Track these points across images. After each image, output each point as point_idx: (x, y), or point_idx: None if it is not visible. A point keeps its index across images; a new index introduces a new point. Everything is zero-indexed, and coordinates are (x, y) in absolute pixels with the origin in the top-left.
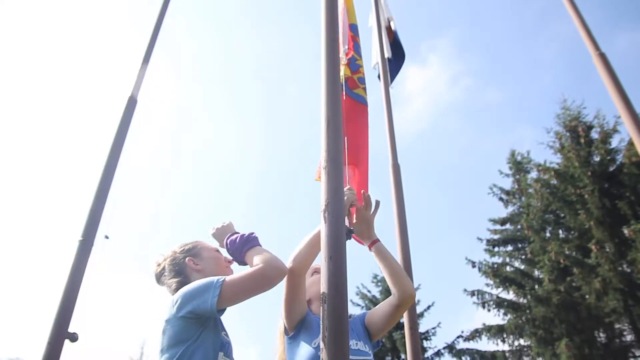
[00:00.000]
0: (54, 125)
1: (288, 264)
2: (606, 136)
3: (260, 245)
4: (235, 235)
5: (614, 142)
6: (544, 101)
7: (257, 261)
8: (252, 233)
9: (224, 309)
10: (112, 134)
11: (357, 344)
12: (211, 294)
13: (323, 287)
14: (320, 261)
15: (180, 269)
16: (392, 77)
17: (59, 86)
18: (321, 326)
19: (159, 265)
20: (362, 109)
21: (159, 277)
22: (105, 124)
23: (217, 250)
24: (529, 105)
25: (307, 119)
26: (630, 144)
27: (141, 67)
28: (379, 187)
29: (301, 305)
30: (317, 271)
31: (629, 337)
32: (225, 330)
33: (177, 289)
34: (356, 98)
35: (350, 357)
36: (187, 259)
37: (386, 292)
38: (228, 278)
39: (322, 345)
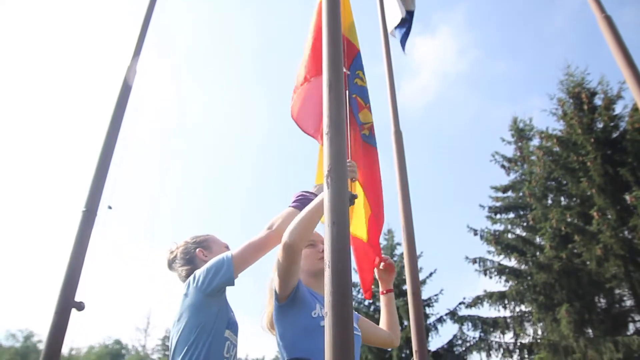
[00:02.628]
0: (56, 95)
1: (285, 238)
2: (610, 102)
3: (292, 207)
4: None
5: (618, 109)
6: (554, 72)
7: (267, 225)
8: (300, 196)
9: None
10: (113, 103)
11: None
12: (226, 266)
13: (326, 253)
14: (324, 227)
15: (190, 258)
16: (403, 43)
17: (59, 55)
18: (325, 292)
19: (171, 252)
20: (374, 153)
21: (170, 264)
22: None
23: (226, 246)
24: (538, 77)
25: None
26: (634, 110)
27: (139, 37)
28: (382, 155)
29: (295, 278)
30: (310, 244)
31: (628, 303)
32: (233, 312)
33: (186, 276)
34: (370, 142)
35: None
36: (197, 249)
37: None
38: (234, 251)
39: (326, 309)
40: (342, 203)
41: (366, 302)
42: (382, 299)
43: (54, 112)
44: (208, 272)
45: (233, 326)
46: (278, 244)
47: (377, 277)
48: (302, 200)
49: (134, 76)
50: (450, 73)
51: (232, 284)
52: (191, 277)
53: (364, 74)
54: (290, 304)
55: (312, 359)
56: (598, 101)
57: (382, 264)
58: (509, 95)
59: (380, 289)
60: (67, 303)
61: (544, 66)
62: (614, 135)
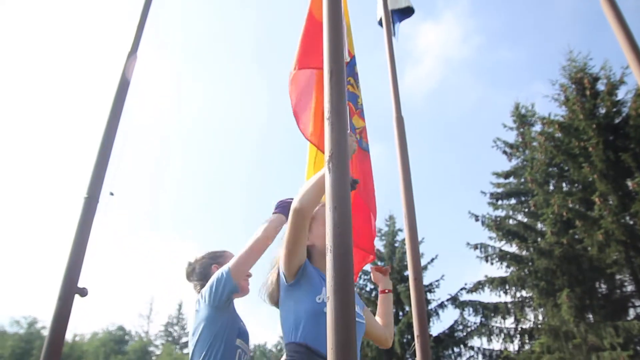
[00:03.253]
0: (59, 82)
1: (294, 204)
2: (612, 88)
3: (276, 214)
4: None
5: (620, 94)
6: (557, 59)
7: (255, 233)
8: (282, 202)
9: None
10: (113, 90)
11: (356, 306)
12: (225, 279)
13: (328, 238)
14: (325, 212)
15: (206, 272)
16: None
17: (62, 41)
18: (327, 276)
19: (190, 265)
20: (368, 157)
21: (188, 276)
22: (107, 80)
23: None
24: (542, 63)
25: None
26: (637, 95)
27: (139, 20)
28: (384, 141)
29: (302, 251)
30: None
31: (629, 288)
32: (242, 322)
33: (200, 288)
34: (363, 146)
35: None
36: (213, 265)
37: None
38: (230, 264)
39: (328, 294)
40: (343, 188)
41: (368, 288)
42: (380, 298)
43: (57, 99)
44: (211, 288)
45: (243, 335)
46: (269, 245)
47: (373, 280)
48: (285, 207)
49: (134, 64)
50: (454, 59)
51: (237, 290)
52: (199, 295)
53: (355, 80)
54: (296, 285)
55: (311, 345)
56: (601, 86)
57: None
58: (512, 82)
59: (380, 288)
60: (70, 289)
61: (548, 53)
62: (617, 120)
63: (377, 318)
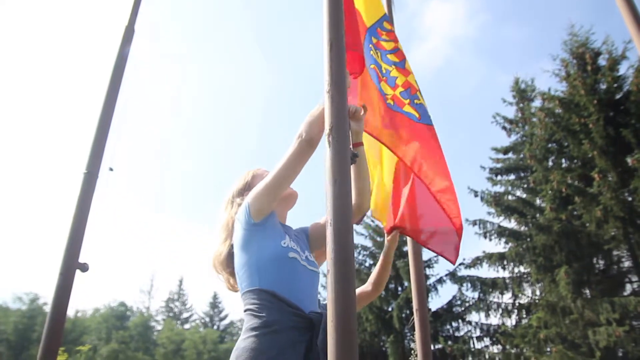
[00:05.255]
0: (57, 57)
1: (304, 134)
2: (614, 63)
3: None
4: None
5: (622, 69)
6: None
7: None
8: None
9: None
10: (112, 64)
11: (310, 256)
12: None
13: (328, 211)
14: (324, 185)
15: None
16: None
17: (59, 19)
18: (327, 249)
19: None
20: (403, 118)
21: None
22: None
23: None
24: (547, 42)
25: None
26: (639, 70)
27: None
28: None
29: (285, 191)
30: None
31: (626, 264)
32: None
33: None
34: (396, 109)
35: (310, 267)
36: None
37: None
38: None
39: (328, 267)
40: (343, 160)
41: (367, 264)
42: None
43: (56, 73)
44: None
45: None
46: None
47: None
48: None
49: (132, 37)
50: (459, 37)
51: (262, 225)
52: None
53: (378, 45)
54: (262, 226)
55: (276, 291)
56: (602, 62)
57: None
58: (518, 60)
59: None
60: (71, 264)
61: (554, 31)
62: (618, 96)
63: (353, 181)
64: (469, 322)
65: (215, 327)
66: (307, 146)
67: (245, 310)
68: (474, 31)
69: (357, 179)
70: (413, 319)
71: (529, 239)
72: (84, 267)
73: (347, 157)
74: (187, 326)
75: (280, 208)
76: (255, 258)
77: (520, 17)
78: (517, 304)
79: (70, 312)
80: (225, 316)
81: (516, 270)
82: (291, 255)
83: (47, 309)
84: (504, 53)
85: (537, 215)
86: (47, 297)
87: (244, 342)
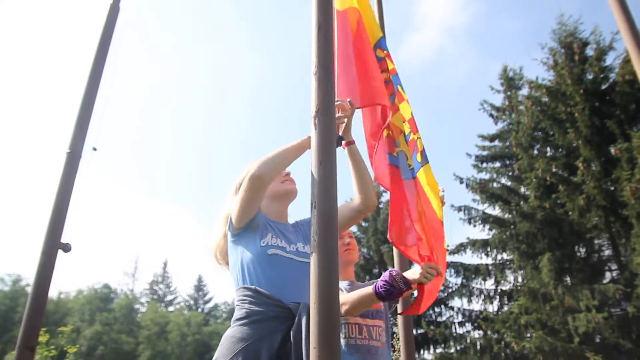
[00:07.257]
0: (41, 33)
1: (255, 170)
2: (601, 53)
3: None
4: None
5: (609, 60)
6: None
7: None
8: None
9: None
10: (96, 40)
11: (304, 247)
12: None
13: (313, 194)
14: (310, 166)
15: None
16: None
17: None
18: (311, 231)
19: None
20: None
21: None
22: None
23: None
24: (541, 33)
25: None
26: (626, 61)
27: None
28: None
29: (255, 209)
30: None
31: (607, 252)
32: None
33: None
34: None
35: (298, 258)
36: None
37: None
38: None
39: (312, 250)
40: (329, 143)
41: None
42: (347, 155)
43: (39, 50)
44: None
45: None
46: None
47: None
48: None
49: (117, 15)
50: (453, 26)
51: (244, 232)
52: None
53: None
54: (243, 232)
55: (258, 287)
56: (590, 52)
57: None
58: (510, 50)
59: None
60: (54, 244)
61: (546, 22)
62: (604, 86)
63: (354, 178)
64: (452, 308)
65: (199, 309)
66: (257, 181)
67: (235, 306)
68: (468, 20)
69: (356, 177)
70: (396, 304)
71: (512, 226)
72: (67, 247)
73: (332, 139)
74: (171, 309)
75: (277, 205)
76: (240, 260)
77: (514, 7)
78: (499, 290)
79: (53, 294)
80: (210, 299)
81: (499, 257)
82: (271, 252)
83: (30, 290)
84: (496, 42)
85: (522, 202)
86: (29, 279)
87: (228, 331)
